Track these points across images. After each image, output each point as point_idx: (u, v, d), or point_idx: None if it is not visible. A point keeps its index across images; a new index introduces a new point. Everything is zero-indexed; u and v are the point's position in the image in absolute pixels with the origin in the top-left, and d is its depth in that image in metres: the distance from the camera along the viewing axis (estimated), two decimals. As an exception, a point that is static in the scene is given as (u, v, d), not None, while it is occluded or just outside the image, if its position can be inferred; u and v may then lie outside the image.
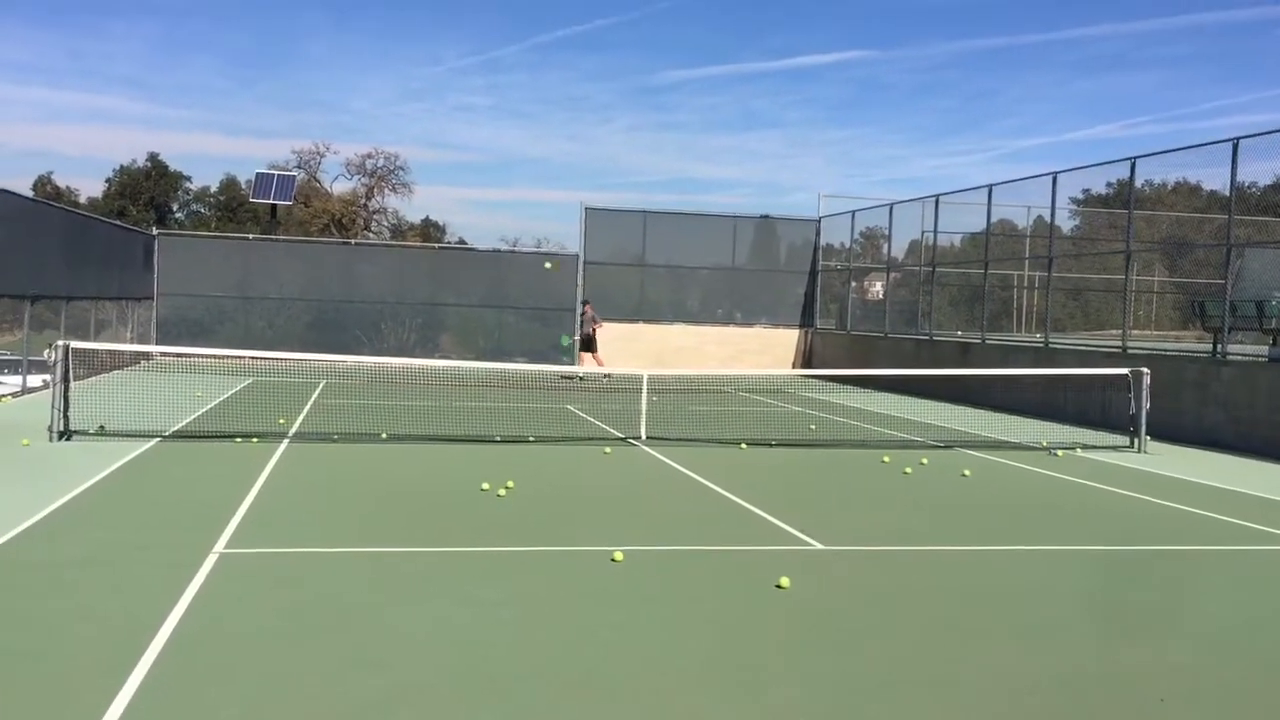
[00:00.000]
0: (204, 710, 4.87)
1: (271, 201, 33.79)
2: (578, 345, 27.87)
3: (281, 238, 34.58)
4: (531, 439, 14.82)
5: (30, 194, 28.87)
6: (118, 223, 32.66)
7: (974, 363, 23.01)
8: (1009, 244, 30.18)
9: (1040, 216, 26.80)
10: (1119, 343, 20.16)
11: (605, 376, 25.19)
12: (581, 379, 25.63)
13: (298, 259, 31.57)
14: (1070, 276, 29.73)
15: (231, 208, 60.31)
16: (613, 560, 7.94)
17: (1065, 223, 30.62)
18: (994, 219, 25.77)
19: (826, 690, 5.43)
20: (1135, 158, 19.72)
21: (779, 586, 7.34)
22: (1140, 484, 12.66)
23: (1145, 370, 15.89)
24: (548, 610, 6.69)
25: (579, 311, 28.04)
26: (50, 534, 8.27)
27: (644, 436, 15.13)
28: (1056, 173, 21.97)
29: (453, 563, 7.88)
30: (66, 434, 13.21)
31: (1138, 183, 20.74)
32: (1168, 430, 16.86)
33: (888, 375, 23.21)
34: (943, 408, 21.38)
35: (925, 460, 13.96)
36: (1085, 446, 15.92)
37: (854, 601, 7.17)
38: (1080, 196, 30.97)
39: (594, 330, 27.39)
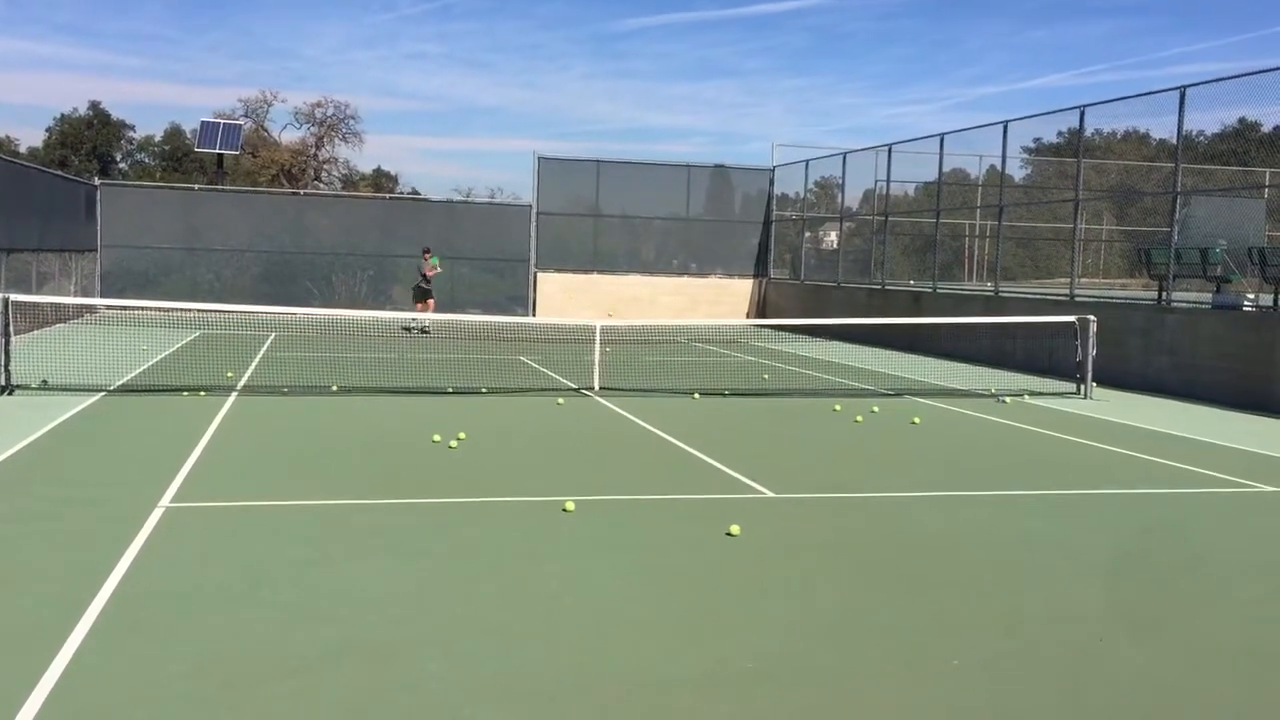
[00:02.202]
0: (150, 665, 4.83)
1: (218, 151, 33.17)
2: (414, 295, 26.57)
3: (229, 188, 34.00)
4: (484, 390, 14.77)
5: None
6: (59, 173, 31.92)
7: (926, 312, 23.18)
8: (961, 193, 30.35)
9: (992, 166, 26.94)
10: (1067, 291, 20.39)
11: (423, 330, 24.93)
12: (425, 330, 25.18)
13: (246, 210, 31.08)
14: (1021, 225, 29.97)
15: (177, 158, 59.15)
16: (564, 510, 7.95)
17: (1017, 172, 30.86)
18: (946, 168, 25.89)
19: (776, 636, 5.48)
20: (1085, 106, 19.83)
21: (729, 534, 7.39)
22: (1086, 429, 12.85)
23: (1092, 318, 16.08)
24: (498, 561, 6.69)
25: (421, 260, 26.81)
26: (-9, 490, 8.14)
27: (597, 387, 15.12)
28: (1008, 121, 22.06)
29: (403, 514, 7.85)
30: (8, 388, 12.98)
31: (1088, 132, 20.87)
32: (1114, 377, 17.12)
33: (840, 324, 23.32)
34: (894, 356, 21.56)
35: (876, 409, 14.08)
36: (1033, 393, 16.13)
37: (804, 548, 7.23)
38: (1032, 145, 31.18)
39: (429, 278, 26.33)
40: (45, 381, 13.62)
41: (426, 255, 26.28)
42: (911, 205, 29.63)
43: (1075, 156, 20.76)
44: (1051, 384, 17.06)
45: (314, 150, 57.21)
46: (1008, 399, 15.43)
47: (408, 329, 25.19)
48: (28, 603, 5.61)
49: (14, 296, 13.94)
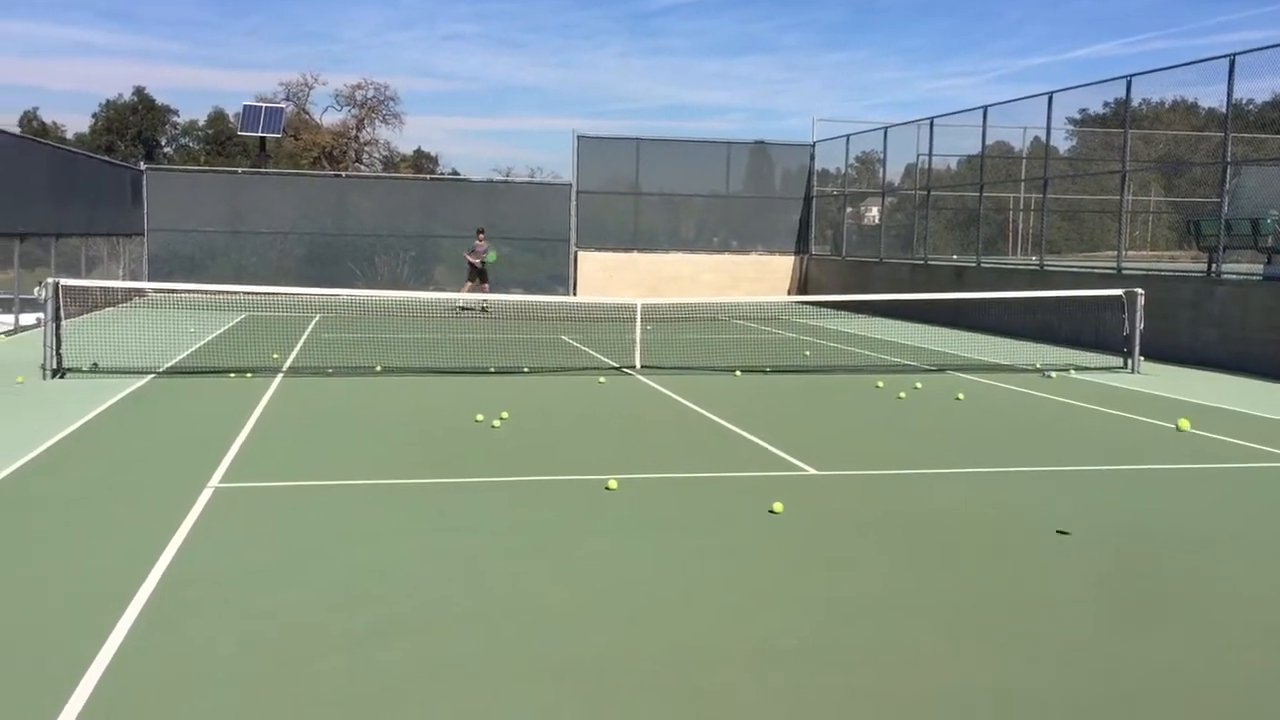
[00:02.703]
0: (201, 642, 4.91)
1: (260, 134, 33.44)
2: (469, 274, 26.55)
3: (272, 171, 34.29)
4: (526, 370, 14.83)
5: (17, 130, 28.54)
6: (105, 158, 32.33)
7: (969, 286, 22.97)
8: (1005, 166, 29.99)
9: (1036, 138, 26.62)
10: (1114, 264, 20.11)
11: (477, 309, 25.08)
12: (466, 308, 25.23)
13: (289, 192, 31.34)
14: (1066, 198, 29.60)
15: (220, 141, 59.71)
16: (607, 489, 7.98)
17: (1061, 143, 30.45)
18: (990, 141, 25.56)
19: (820, 614, 5.49)
20: (1132, 76, 19.50)
21: (772, 512, 7.38)
22: (1133, 404, 12.70)
23: (1140, 291, 15.86)
24: (542, 539, 6.74)
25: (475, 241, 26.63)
26: (45, 471, 8.30)
27: (638, 366, 15.14)
28: (1052, 92, 21.75)
29: (447, 494, 7.91)
30: (60, 372, 13.20)
31: (1135, 102, 20.56)
32: (1162, 351, 16.89)
33: (882, 300, 23.18)
34: (937, 332, 21.40)
35: (919, 384, 13.99)
36: (1079, 368, 15.95)
37: (846, 525, 7.22)
38: (1077, 117, 30.69)
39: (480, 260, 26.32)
40: (96, 364, 13.84)
41: (480, 235, 26.38)
42: (954, 179, 29.33)
43: (1122, 127, 20.44)
44: (1098, 358, 16.87)
45: (355, 132, 57.53)
46: (1053, 374, 15.28)
47: (484, 309, 25.37)
48: (82, 581, 5.72)
49: (64, 281, 14.16)
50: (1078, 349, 18.33)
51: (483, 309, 25.28)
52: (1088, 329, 18.91)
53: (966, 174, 28.08)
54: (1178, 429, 6.71)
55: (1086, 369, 15.91)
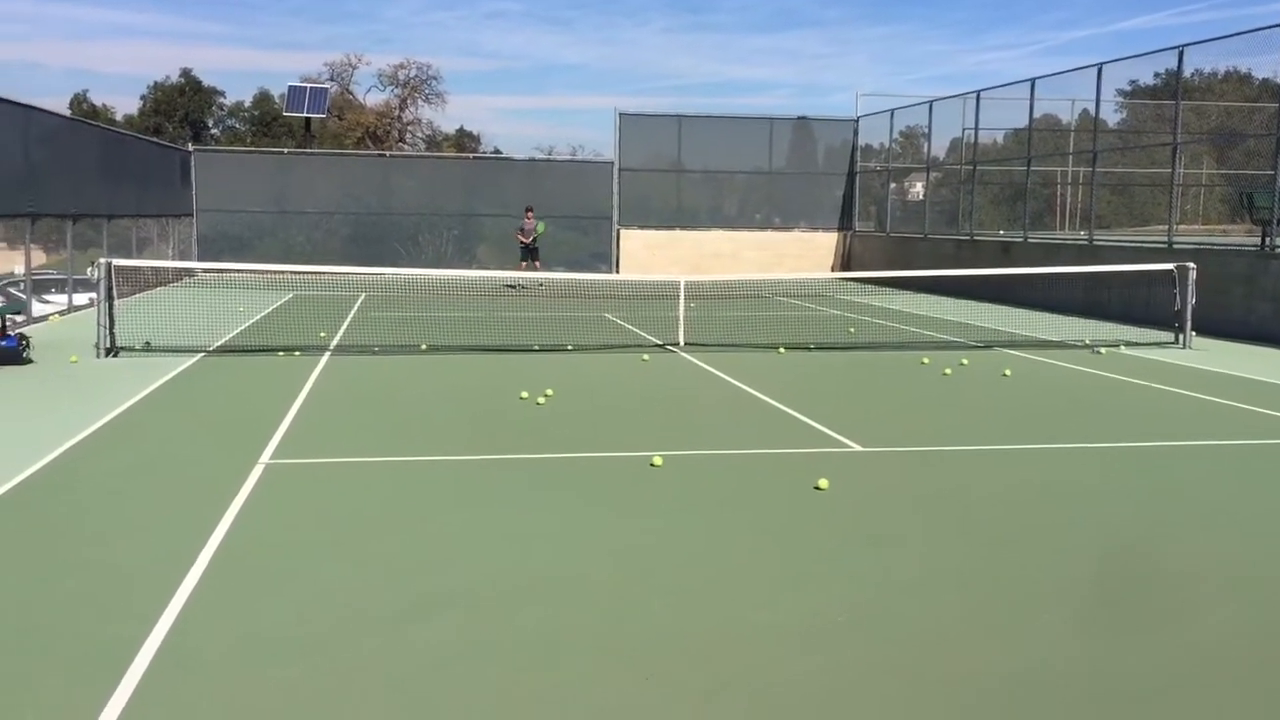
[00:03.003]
0: (256, 613, 5.00)
1: (305, 115, 33.69)
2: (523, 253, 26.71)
3: (317, 151, 34.53)
4: (570, 347, 14.88)
5: (68, 113, 28.95)
6: (154, 140, 32.71)
7: (1016, 262, 22.72)
8: (1052, 139, 29.55)
9: (1085, 110, 26.17)
10: (1165, 238, 19.80)
11: (540, 284, 25.20)
12: (514, 286, 25.37)
13: (334, 172, 31.56)
14: (1115, 171, 29.16)
15: (266, 122, 60.09)
16: (652, 465, 8.00)
17: (1111, 116, 29.97)
18: (1037, 114, 25.20)
19: (867, 590, 5.48)
20: (1183, 46, 19.14)
21: (817, 488, 7.37)
22: (1185, 380, 12.53)
23: (1191, 265, 15.62)
24: (588, 515, 6.78)
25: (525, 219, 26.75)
26: (101, 448, 8.46)
27: (682, 343, 15.13)
28: (1101, 64, 21.40)
29: (494, 470, 7.97)
30: (113, 350, 13.42)
31: (1186, 72, 20.18)
32: (1214, 326, 16.63)
33: (927, 276, 22.97)
34: (983, 308, 21.20)
35: (965, 361, 13.88)
36: (1129, 344, 15.75)
37: (892, 502, 7.20)
38: (1127, 89, 30.20)
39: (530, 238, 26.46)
40: (148, 343, 14.05)
41: (529, 213, 26.48)
42: (1000, 153, 28.96)
43: (1173, 99, 20.08)
44: (1149, 334, 16.65)
45: (398, 112, 57.77)
46: (1103, 350, 15.10)
47: (517, 286, 25.50)
48: (139, 554, 5.84)
49: (116, 261, 14.38)
50: (1128, 324, 18.09)
51: (516, 285, 25.36)
52: (1138, 304, 18.65)
53: (1013, 148, 27.72)
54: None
55: (1137, 345, 15.70)
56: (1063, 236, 26.63)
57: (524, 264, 26.23)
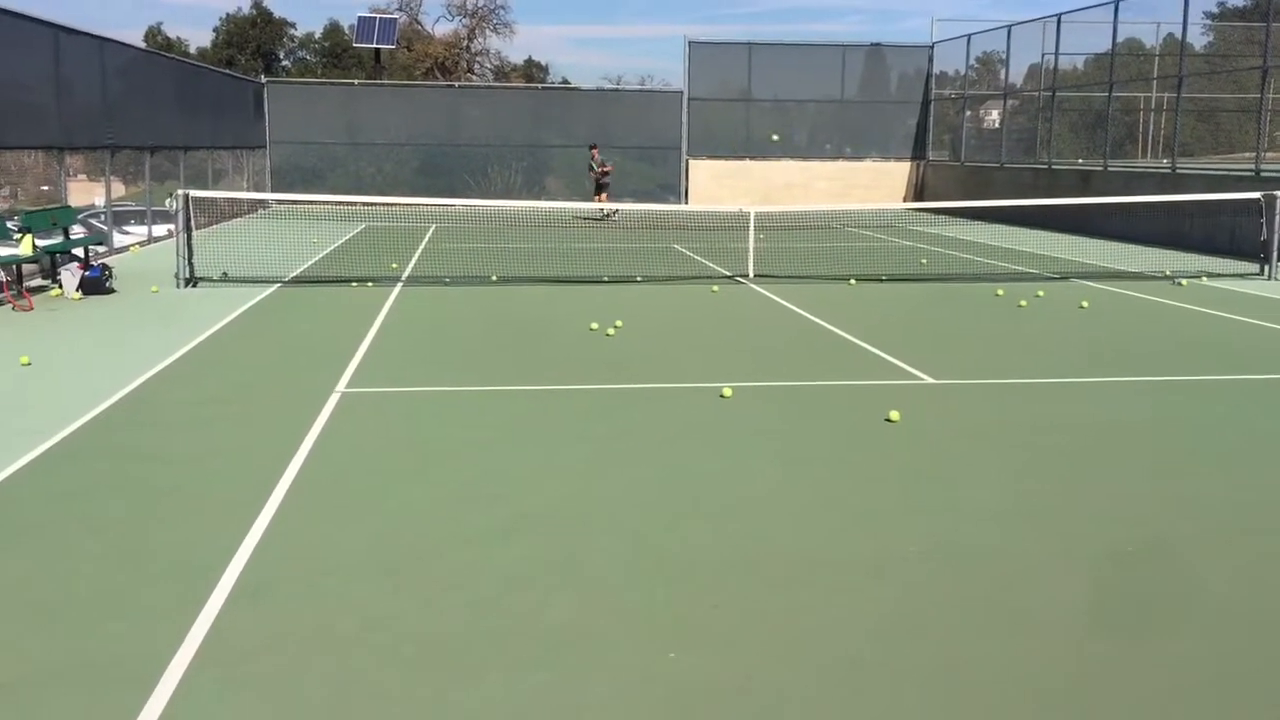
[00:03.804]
0: (336, 537, 5.13)
1: (375, 46, 33.74)
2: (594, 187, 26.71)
3: (386, 83, 34.59)
4: (639, 279, 14.87)
5: (143, 46, 29.26)
6: (228, 72, 32.99)
7: (1095, 191, 22.16)
8: (1136, 64, 28.64)
9: (1170, 34, 25.31)
10: (1252, 166, 19.17)
11: (606, 215, 25.34)
12: (606, 215, 25.48)
13: (403, 104, 31.64)
14: (1201, 97, 28.18)
15: (336, 54, 60.23)
16: (721, 396, 8.02)
17: (1198, 39, 28.92)
18: (1120, 38, 24.40)
19: (939, 521, 5.47)
20: (1278, -35, 18.34)
21: (889, 420, 7.34)
22: (1269, 312, 12.20)
23: (1279, 194, 15.13)
24: (658, 445, 6.82)
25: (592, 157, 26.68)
26: (184, 375, 8.68)
27: (751, 274, 15.05)
28: (1190, -16, 20.59)
29: (564, 400, 8.05)
30: (192, 281, 13.70)
31: (1281, -8, 19.34)
32: (1301, 257, 16.12)
33: (1003, 206, 22.52)
34: (1061, 239, 20.78)
35: (1041, 293, 13.64)
36: (1211, 275, 15.36)
37: (965, 434, 7.14)
38: (1214, 10, 29.10)
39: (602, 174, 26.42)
40: (225, 274, 14.32)
41: (594, 151, 26.46)
42: (1081, 79, 28.14)
43: (1264, 20, 19.29)
44: (1233, 265, 16.20)
45: (466, 43, 57.54)
46: (1184, 281, 14.74)
47: (604, 216, 25.61)
48: (222, 478, 6.01)
49: (193, 192, 14.62)
50: (1211, 255, 17.62)
51: (605, 216, 25.52)
52: (1222, 234, 18.14)
53: (1094, 73, 26.91)
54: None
55: (1220, 275, 15.30)
56: (1144, 165, 25.88)
57: (599, 196, 26.23)
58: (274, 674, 3.83)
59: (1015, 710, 3.64)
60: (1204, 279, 15.04)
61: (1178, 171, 20.69)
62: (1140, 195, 19.58)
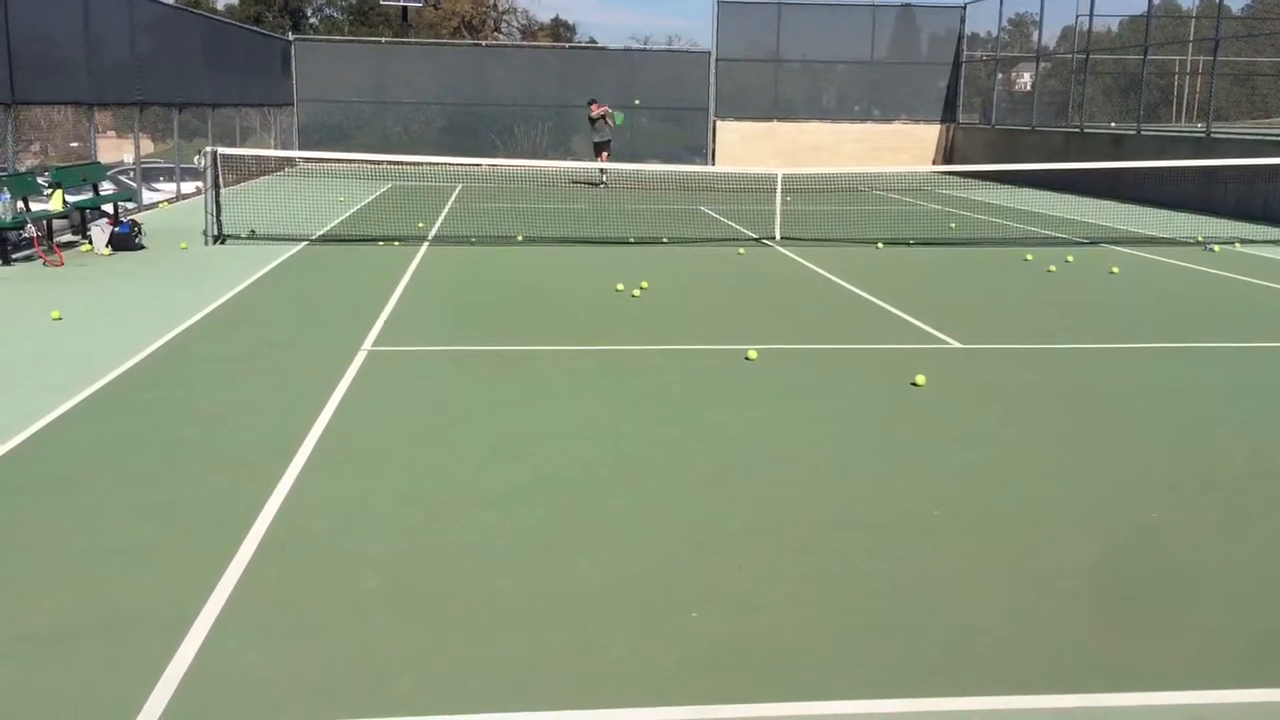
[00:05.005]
0: (360, 494, 5.17)
1: (402, 3, 33.60)
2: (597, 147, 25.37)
3: (413, 41, 34.45)
4: (665, 240, 14.83)
5: (171, 1, 29.25)
6: (255, 29, 32.95)
7: (1127, 156, 21.88)
8: (1171, 27, 28.17)
9: (1209, -5, 24.84)
10: (1289, 131, 18.87)
11: (601, 175, 24.44)
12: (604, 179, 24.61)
13: (430, 62, 31.52)
14: (1238, 60, 27.71)
15: (363, 11, 59.95)
16: (747, 358, 8.01)
17: (1235, 2, 28.40)
18: (1156, 0, 23.98)
19: (962, 485, 5.46)
20: (1322, -75, 17.96)
21: (915, 384, 7.32)
22: (1302, 281, 12.06)
23: (1316, 160, 14.91)
24: (683, 407, 6.83)
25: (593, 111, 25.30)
26: (213, 331, 8.74)
27: (778, 237, 14.98)
28: (1230, -55, 20.19)
29: (589, 360, 8.06)
30: (220, 238, 13.76)
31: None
32: (1337, 225, 15.92)
33: (1034, 170, 22.27)
34: (1092, 204, 20.56)
35: (1071, 258, 13.52)
36: (1245, 241, 15.17)
37: (992, 399, 7.11)
38: (1255, -29, 28.52)
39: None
40: (253, 231, 14.37)
41: (593, 106, 25.68)
42: (1115, 42, 27.72)
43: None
44: (1267, 231, 16.00)
45: (493, 1, 57.18)
46: (1216, 247, 14.56)
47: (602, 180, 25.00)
48: (250, 434, 6.06)
49: (222, 150, 14.65)
50: (1245, 221, 17.39)
51: (603, 181, 24.76)
52: (1256, 200, 17.90)
53: (1129, 35, 26.51)
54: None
55: (1254, 242, 15.11)
56: (1178, 129, 25.52)
57: (601, 156, 25.58)
58: (300, 627, 3.88)
59: (1036, 673, 3.65)
60: (1237, 245, 14.86)
61: (1212, 136, 20.39)
62: (1173, 160, 19.32)
